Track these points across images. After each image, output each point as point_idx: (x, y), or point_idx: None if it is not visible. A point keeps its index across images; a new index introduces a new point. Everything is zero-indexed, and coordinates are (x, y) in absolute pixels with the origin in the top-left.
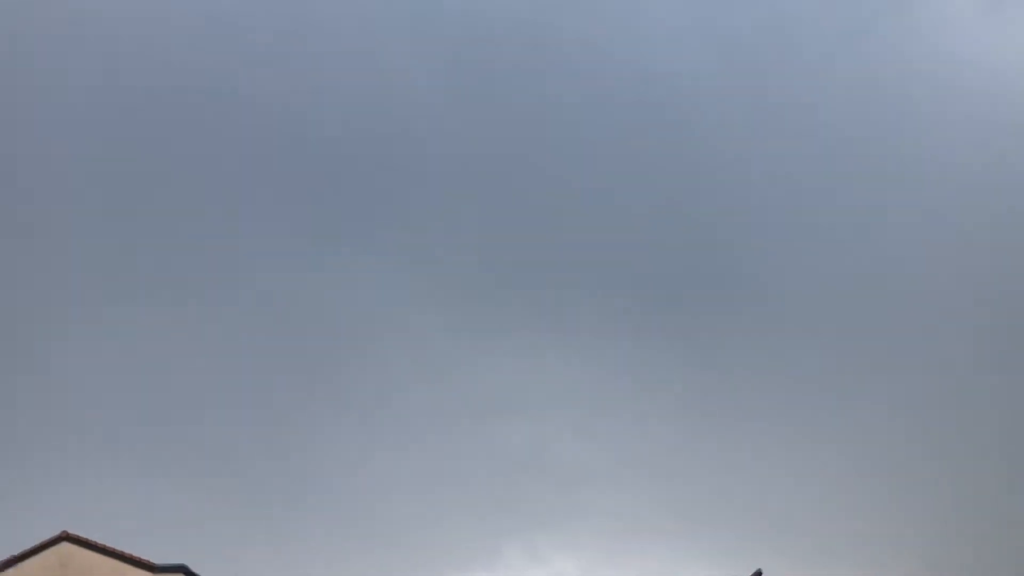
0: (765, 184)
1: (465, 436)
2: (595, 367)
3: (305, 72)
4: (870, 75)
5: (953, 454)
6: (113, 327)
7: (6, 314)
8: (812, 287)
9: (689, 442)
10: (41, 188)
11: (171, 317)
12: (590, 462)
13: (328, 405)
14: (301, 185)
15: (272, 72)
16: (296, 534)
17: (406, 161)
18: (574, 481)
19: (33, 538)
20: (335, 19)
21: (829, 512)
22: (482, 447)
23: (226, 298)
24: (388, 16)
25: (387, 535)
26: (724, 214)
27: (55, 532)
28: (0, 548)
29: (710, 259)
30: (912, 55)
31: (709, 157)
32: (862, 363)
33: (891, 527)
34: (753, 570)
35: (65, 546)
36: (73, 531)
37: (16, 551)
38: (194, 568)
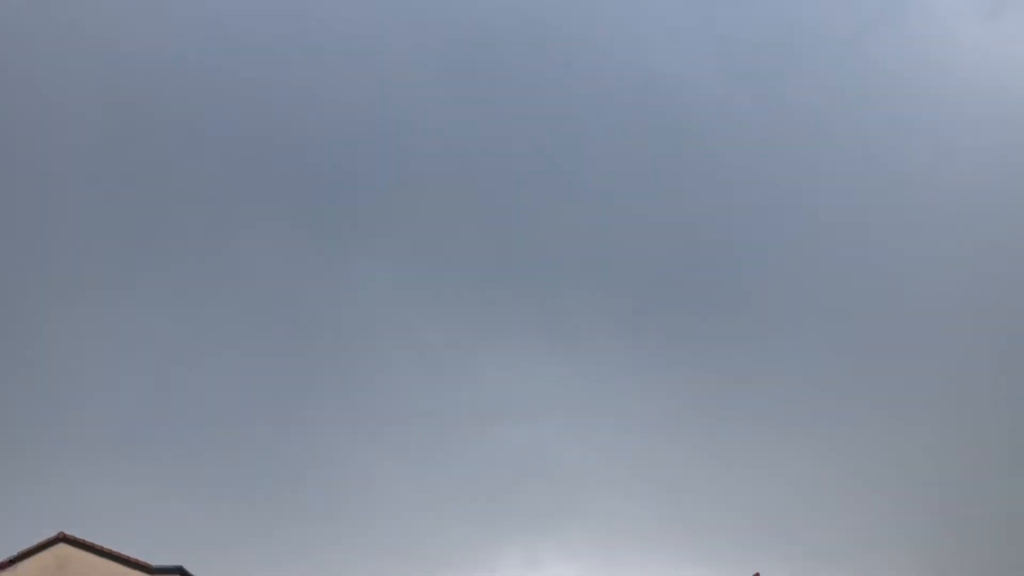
0: (765, 185)
1: (464, 439)
2: (594, 370)
3: (305, 72)
4: (870, 76)
5: (952, 456)
6: (112, 327)
7: (5, 314)
8: (812, 288)
9: (688, 446)
10: (41, 187)
11: (171, 317)
12: (589, 466)
13: (327, 408)
14: (301, 185)
15: (272, 72)
16: (294, 537)
17: (406, 162)
18: (573, 485)
19: (30, 539)
20: (335, 19)
21: (828, 515)
22: (481, 451)
23: (226, 298)
24: (388, 16)
25: (386, 538)
26: (724, 215)
27: (52, 533)
28: None
29: (710, 260)
30: (911, 60)
31: (709, 157)
32: (862, 365)
33: (889, 531)
34: (751, 573)
35: (62, 547)
36: (70, 532)
37: (13, 552)
38: (191, 570)
